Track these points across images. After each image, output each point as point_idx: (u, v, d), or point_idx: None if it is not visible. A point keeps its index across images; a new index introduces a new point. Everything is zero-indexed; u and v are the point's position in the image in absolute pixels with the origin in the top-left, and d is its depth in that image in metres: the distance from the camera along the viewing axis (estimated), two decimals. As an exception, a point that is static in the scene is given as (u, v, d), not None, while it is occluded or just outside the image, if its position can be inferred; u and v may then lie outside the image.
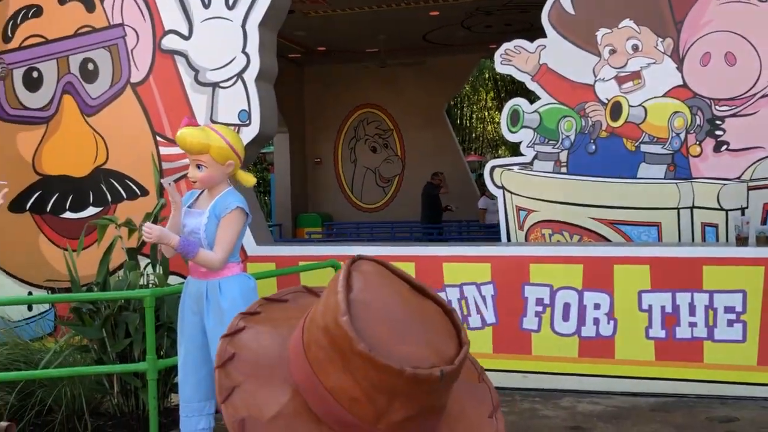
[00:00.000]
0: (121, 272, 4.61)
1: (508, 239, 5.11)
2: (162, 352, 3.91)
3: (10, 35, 5.30)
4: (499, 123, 5.26)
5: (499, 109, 20.81)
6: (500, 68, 5.13)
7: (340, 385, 0.77)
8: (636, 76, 4.82)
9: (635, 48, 4.80)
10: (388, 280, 0.87)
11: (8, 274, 5.29)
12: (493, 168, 5.17)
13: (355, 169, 12.41)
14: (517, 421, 4.00)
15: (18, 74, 5.26)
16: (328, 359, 0.78)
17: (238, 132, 4.86)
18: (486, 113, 21.19)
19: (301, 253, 4.99)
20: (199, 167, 2.98)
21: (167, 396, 4.23)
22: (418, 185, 11.65)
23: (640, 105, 4.78)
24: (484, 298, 4.66)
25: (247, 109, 4.90)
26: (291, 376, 0.83)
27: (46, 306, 5.21)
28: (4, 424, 2.80)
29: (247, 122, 4.90)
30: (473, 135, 21.28)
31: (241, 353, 0.87)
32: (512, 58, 5.07)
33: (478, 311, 4.66)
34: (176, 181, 4.98)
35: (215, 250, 2.97)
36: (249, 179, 3.17)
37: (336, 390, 0.78)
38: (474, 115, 21.35)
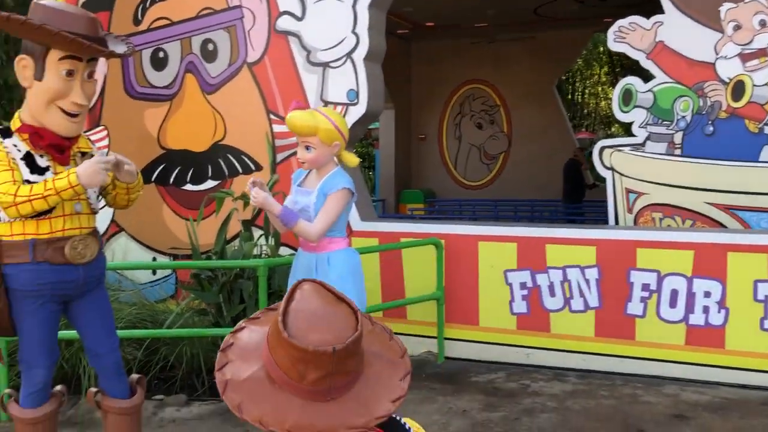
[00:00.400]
0: (236, 242, 4.90)
1: (616, 222, 5.00)
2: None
3: (140, 18, 5.68)
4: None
5: (614, 85, 19.99)
6: (613, 46, 4.97)
7: (279, 358, 1.28)
8: (762, 53, 4.55)
9: (762, 23, 4.53)
10: (317, 293, 1.36)
11: (135, 240, 5.73)
12: (602, 148, 5.04)
13: (460, 145, 12.36)
14: (616, 405, 3.96)
15: (146, 54, 5.64)
16: (275, 343, 1.28)
17: (346, 111, 5.05)
18: (599, 88, 20.43)
19: (404, 230, 5.09)
20: (307, 148, 3.13)
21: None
22: (524, 163, 11.49)
23: (765, 84, 4.52)
24: (587, 282, 4.60)
25: (355, 88, 5.03)
26: (261, 356, 1.33)
27: (169, 271, 5.61)
28: (135, 376, 3.09)
29: (355, 101, 5.03)
30: (585, 111, 20.61)
31: (237, 343, 1.38)
32: (626, 36, 4.90)
33: (581, 294, 4.61)
34: (283, 161, 5.21)
35: (314, 223, 3.12)
36: (353, 160, 3.29)
37: (278, 361, 1.28)
38: (586, 91, 20.65)
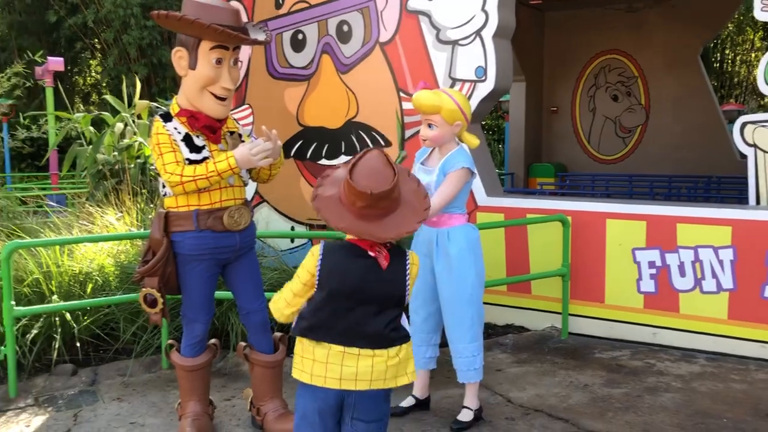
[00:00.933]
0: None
1: (757, 202, 4.78)
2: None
3: (280, 2, 6.04)
4: (766, 66, 4.82)
5: (768, 51, 18.45)
6: (760, 15, 4.70)
7: (345, 190, 2.11)
8: None
9: None
10: (377, 158, 2.13)
11: (276, 210, 6.17)
12: (744, 124, 4.81)
13: (594, 118, 11.99)
14: (748, 390, 3.86)
15: (286, 37, 6.00)
16: (344, 181, 2.11)
17: (474, 88, 5.14)
18: (752, 56, 18.91)
19: (530, 206, 5.14)
20: (430, 126, 3.29)
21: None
22: (662, 136, 10.98)
23: None
24: (721, 263, 4.46)
25: (483, 65, 5.10)
26: (339, 186, 2.15)
27: (305, 239, 6.01)
28: (278, 334, 3.44)
29: (483, 78, 5.11)
30: (735, 80, 19.19)
31: (330, 176, 2.22)
32: (775, 4, 4.62)
33: (714, 275, 4.48)
34: (411, 137, 5.39)
35: (433, 199, 3.24)
36: (473, 141, 3.40)
37: (344, 191, 2.11)
38: (738, 58, 19.20)
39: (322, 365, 2.13)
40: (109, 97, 6.94)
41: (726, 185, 9.54)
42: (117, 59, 16.01)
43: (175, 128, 3.13)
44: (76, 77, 19.63)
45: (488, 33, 5.05)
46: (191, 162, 3.07)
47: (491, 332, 5.00)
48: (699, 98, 10.68)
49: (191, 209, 3.13)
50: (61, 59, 10.66)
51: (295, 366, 2.23)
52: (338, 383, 2.12)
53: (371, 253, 2.13)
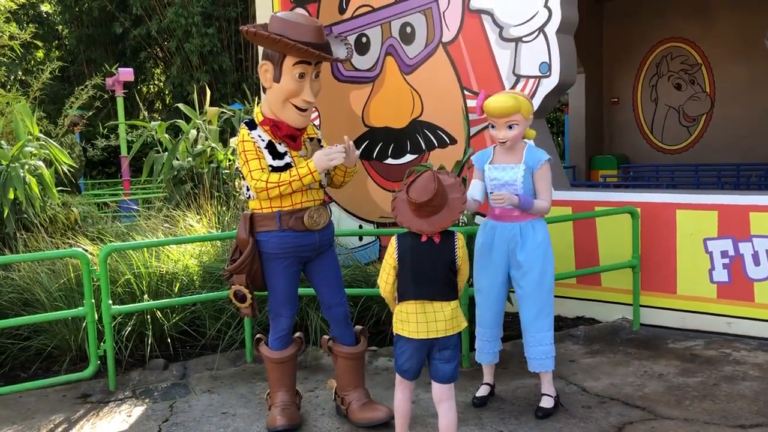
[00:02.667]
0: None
1: (833, 188, 4.70)
2: (470, 281, 4.50)
3: (344, 7, 6.22)
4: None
5: (840, 31, 17.67)
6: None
7: (408, 198, 2.85)
8: None
9: None
10: (427, 177, 2.87)
11: (345, 210, 6.36)
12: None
13: (656, 108, 11.80)
14: (828, 380, 3.83)
15: (351, 40, 6.17)
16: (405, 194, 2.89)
17: (538, 83, 5.21)
18: (821, 36, 18.16)
19: (598, 199, 5.17)
20: (510, 127, 3.40)
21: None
22: (728, 124, 10.74)
23: None
24: (797, 251, 4.41)
25: (547, 60, 5.16)
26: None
27: (374, 237, 6.18)
28: (359, 327, 3.61)
29: (548, 73, 5.17)
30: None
31: (401, 188, 2.94)
32: None
33: (789, 264, 4.44)
34: (476, 134, 5.49)
35: (544, 198, 3.47)
36: (531, 133, 3.56)
37: (409, 199, 2.85)
38: (805, 40, 18.46)
39: (414, 323, 2.89)
40: (181, 106, 7.24)
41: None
42: (180, 67, 16.57)
43: (259, 136, 3.33)
44: (141, 86, 20.37)
45: (551, 29, 5.11)
46: (274, 168, 3.27)
47: (561, 324, 5.06)
48: (766, 84, 10.40)
49: (274, 211, 3.32)
50: (131, 70, 11.16)
51: (395, 324, 2.99)
52: (426, 335, 2.89)
53: (426, 237, 2.91)
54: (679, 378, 3.96)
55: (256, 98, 11.90)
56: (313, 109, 6.36)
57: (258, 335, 3.65)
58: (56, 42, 20.00)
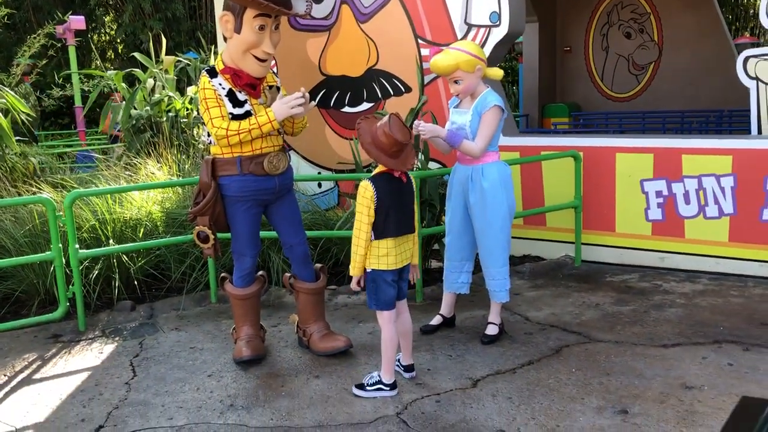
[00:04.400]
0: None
1: (759, 132, 5.06)
2: (424, 223, 4.76)
3: (299, -45, 6.26)
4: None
5: (785, -20, 18.10)
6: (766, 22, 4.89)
7: (382, 140, 3.04)
8: None
9: None
10: (398, 120, 3.05)
11: (303, 157, 6.53)
12: (746, 58, 5.06)
13: (607, 56, 12.09)
14: (744, 303, 4.25)
15: (306, -11, 6.24)
16: (381, 131, 3.06)
17: (488, 32, 5.40)
18: (767, -14, 18.59)
19: (544, 144, 5.46)
20: (456, 82, 3.61)
21: (427, 259, 5.14)
22: (675, 72, 11.11)
23: None
24: (723, 190, 4.78)
25: (497, 10, 5.35)
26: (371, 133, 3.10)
27: (332, 184, 6.38)
28: (318, 265, 3.85)
29: (497, 23, 5.36)
30: (750, 12, 18.95)
31: (360, 132, 3.10)
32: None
33: (716, 202, 4.81)
34: (430, 82, 5.68)
35: (476, 141, 3.63)
36: (497, 73, 3.72)
37: (379, 140, 3.05)
38: (752, -11, 18.89)
39: (393, 257, 3.15)
40: (137, 55, 7.23)
41: (737, 118, 9.72)
42: (132, 15, 16.19)
43: (220, 84, 3.47)
44: (92, 34, 19.81)
45: (501, -21, 5.28)
46: (234, 116, 3.43)
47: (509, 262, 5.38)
48: (712, 33, 10.76)
49: (235, 156, 3.49)
50: (83, 18, 10.93)
51: (371, 263, 3.17)
52: (402, 263, 3.21)
53: (396, 175, 3.15)
54: (614, 307, 4.33)
55: (212, 47, 11.78)
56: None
57: (223, 274, 3.86)
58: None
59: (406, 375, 3.39)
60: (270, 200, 3.63)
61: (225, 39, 3.53)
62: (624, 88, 11.93)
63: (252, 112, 3.49)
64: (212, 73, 3.52)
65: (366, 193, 3.11)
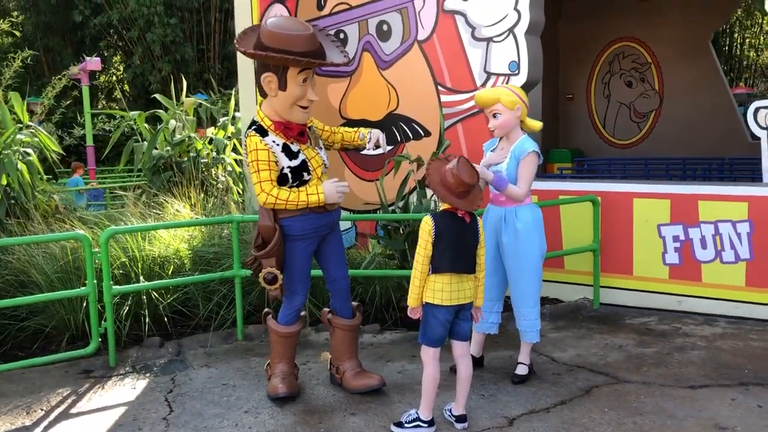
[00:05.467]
0: (413, 197, 5.64)
1: (770, 180, 5.22)
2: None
3: (322, 4, 6.50)
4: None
5: (777, 34, 18.74)
6: (771, 8, 5.13)
7: (450, 180, 3.18)
8: None
9: None
10: (467, 162, 3.21)
11: (322, 198, 6.64)
12: (757, 109, 5.25)
13: (609, 104, 12.39)
14: (765, 347, 4.34)
15: (329, 36, 6.46)
16: (449, 173, 3.19)
17: (507, 81, 5.60)
18: (761, 39, 19.21)
19: (562, 188, 5.61)
20: (495, 116, 3.76)
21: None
22: (676, 120, 11.38)
23: None
24: (739, 235, 4.92)
25: (516, 60, 5.56)
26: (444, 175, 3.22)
27: (349, 224, 6.49)
28: (355, 303, 3.93)
29: (516, 72, 5.57)
30: (744, 63, 19.50)
31: (428, 173, 3.26)
32: (785, -3, 5.05)
33: (732, 247, 4.94)
34: (450, 127, 5.85)
35: (519, 185, 3.77)
36: (536, 125, 3.87)
37: (448, 181, 3.19)
38: (746, 42, 19.50)
39: (447, 293, 3.22)
40: (159, 96, 7.41)
41: (738, 166, 9.95)
42: (141, 57, 16.51)
43: (273, 141, 3.57)
44: (99, 75, 20.15)
45: (521, 30, 5.51)
46: (292, 169, 3.54)
47: (528, 304, 5.48)
48: (711, 83, 11.08)
49: None
50: (99, 59, 11.17)
51: (427, 296, 3.26)
52: (457, 301, 3.25)
53: (460, 214, 3.25)
54: (637, 349, 4.42)
55: (221, 89, 12.00)
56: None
57: (266, 309, 3.92)
58: (9, 27, 19.59)
59: (458, 426, 3.35)
60: (325, 235, 3.74)
61: (264, 95, 3.61)
62: (626, 135, 12.19)
63: (306, 160, 3.60)
64: (262, 131, 3.57)
65: (425, 227, 3.21)
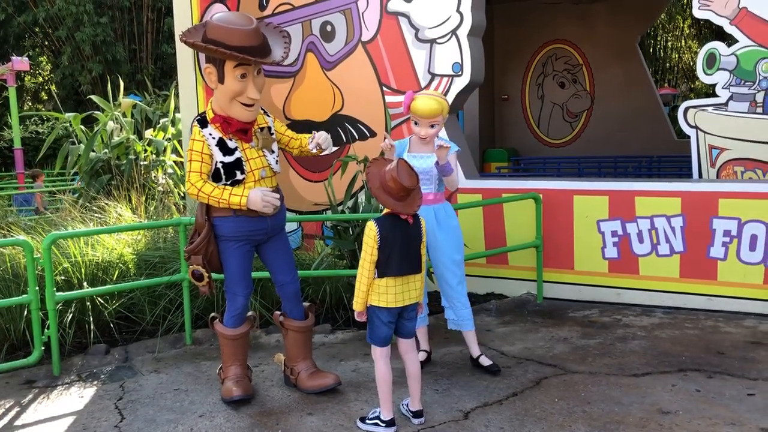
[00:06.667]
0: (361, 198, 5.68)
1: (700, 176, 5.50)
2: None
3: (264, 4, 6.46)
4: (696, 52, 5.54)
5: (698, 38, 19.66)
6: (698, 14, 5.40)
7: (389, 184, 3.16)
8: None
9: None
10: (407, 165, 3.20)
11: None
12: (686, 108, 5.53)
13: (543, 104, 12.75)
14: (699, 335, 4.57)
15: (272, 37, 6.42)
16: (389, 176, 3.16)
17: (451, 82, 5.70)
18: (683, 42, 20.12)
19: (505, 186, 5.75)
20: (432, 126, 3.83)
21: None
22: (606, 120, 11.81)
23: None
24: (673, 229, 5.16)
25: (459, 61, 5.67)
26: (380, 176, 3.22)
27: (295, 226, 6.47)
28: (307, 304, 3.94)
29: (460, 73, 5.68)
30: (668, 65, 20.36)
31: (369, 177, 3.23)
32: (711, 3, 5.33)
33: (667, 240, 5.18)
34: (395, 127, 5.92)
35: (457, 180, 3.95)
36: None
37: (387, 185, 3.17)
38: (669, 44, 20.37)
39: (392, 295, 3.24)
40: (95, 97, 7.20)
41: (666, 163, 10.41)
42: (70, 57, 15.96)
43: (210, 134, 3.54)
44: (25, 75, 19.35)
45: (463, 32, 5.62)
46: (224, 164, 3.50)
47: (474, 300, 5.56)
48: (639, 84, 11.54)
49: None
50: (27, 59, 10.74)
51: (371, 299, 3.28)
52: (402, 302, 3.29)
53: (403, 217, 3.27)
54: (581, 340, 4.58)
55: (155, 90, 11.72)
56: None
57: (212, 314, 3.89)
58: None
59: (415, 421, 3.39)
60: (262, 240, 3.71)
61: (212, 90, 3.60)
62: (559, 135, 12.56)
63: (242, 158, 3.56)
64: (203, 122, 3.57)
65: (370, 232, 3.23)
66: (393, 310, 3.29)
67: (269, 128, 3.77)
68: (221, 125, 3.54)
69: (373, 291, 3.28)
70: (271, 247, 3.77)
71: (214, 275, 3.70)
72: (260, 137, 3.68)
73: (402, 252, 3.26)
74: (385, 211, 3.31)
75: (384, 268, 3.24)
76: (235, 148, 3.57)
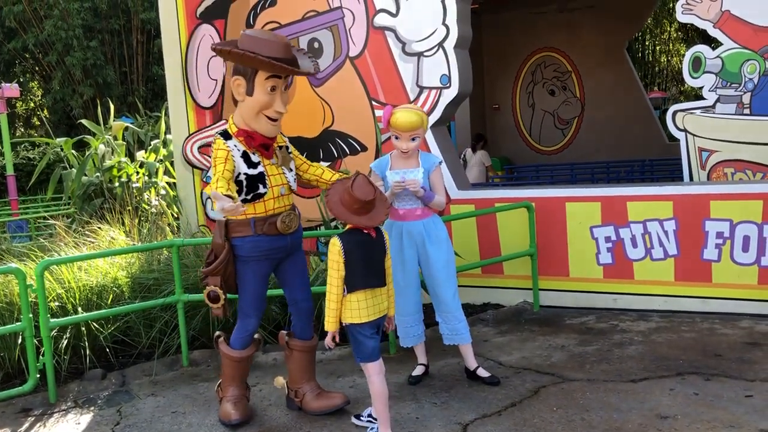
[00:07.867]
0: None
1: (690, 179, 5.52)
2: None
3: (251, 23, 6.49)
4: (684, 55, 5.59)
5: (685, 41, 19.79)
6: (682, 18, 5.45)
7: (346, 198, 3.20)
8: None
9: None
10: (364, 179, 3.22)
11: (261, 217, 6.60)
12: (675, 112, 5.56)
13: (533, 112, 12.80)
14: (696, 338, 4.57)
15: (260, 55, 6.45)
16: (347, 191, 3.20)
17: (440, 94, 5.73)
18: (670, 45, 20.25)
19: (497, 196, 5.76)
20: (413, 139, 3.85)
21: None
22: (598, 126, 11.86)
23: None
24: (666, 233, 5.17)
25: (447, 73, 5.70)
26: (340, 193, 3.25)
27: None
28: (283, 332, 3.88)
29: (448, 85, 5.70)
30: (656, 69, 20.48)
31: (328, 192, 3.29)
32: (694, 7, 5.38)
33: (661, 244, 5.18)
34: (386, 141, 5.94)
35: (442, 195, 3.94)
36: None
37: (345, 199, 3.21)
38: (657, 48, 20.50)
39: (365, 309, 3.27)
40: (85, 122, 7.21)
41: (658, 167, 10.45)
42: (61, 81, 15.99)
43: (235, 146, 3.52)
44: (15, 101, 19.37)
45: (450, 44, 5.65)
46: (248, 176, 3.49)
47: (471, 310, 5.58)
48: (628, 88, 11.61)
49: (249, 217, 3.54)
50: (17, 86, 10.75)
51: (346, 317, 3.30)
52: (375, 316, 3.31)
53: (365, 231, 3.30)
54: (579, 348, 4.57)
55: (147, 112, 11.73)
56: (224, 121, 6.65)
57: (218, 333, 3.85)
58: None
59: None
60: (281, 258, 3.69)
61: (235, 102, 3.60)
62: (551, 142, 12.61)
63: (265, 173, 3.56)
64: (226, 135, 3.55)
65: (334, 248, 3.23)
66: (371, 323, 3.30)
67: (287, 147, 3.76)
68: (245, 139, 3.53)
69: (346, 309, 3.29)
70: (289, 264, 3.74)
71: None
72: (279, 155, 3.66)
73: (367, 265, 3.26)
74: (348, 226, 3.31)
75: (351, 282, 3.24)
76: (258, 163, 3.56)
